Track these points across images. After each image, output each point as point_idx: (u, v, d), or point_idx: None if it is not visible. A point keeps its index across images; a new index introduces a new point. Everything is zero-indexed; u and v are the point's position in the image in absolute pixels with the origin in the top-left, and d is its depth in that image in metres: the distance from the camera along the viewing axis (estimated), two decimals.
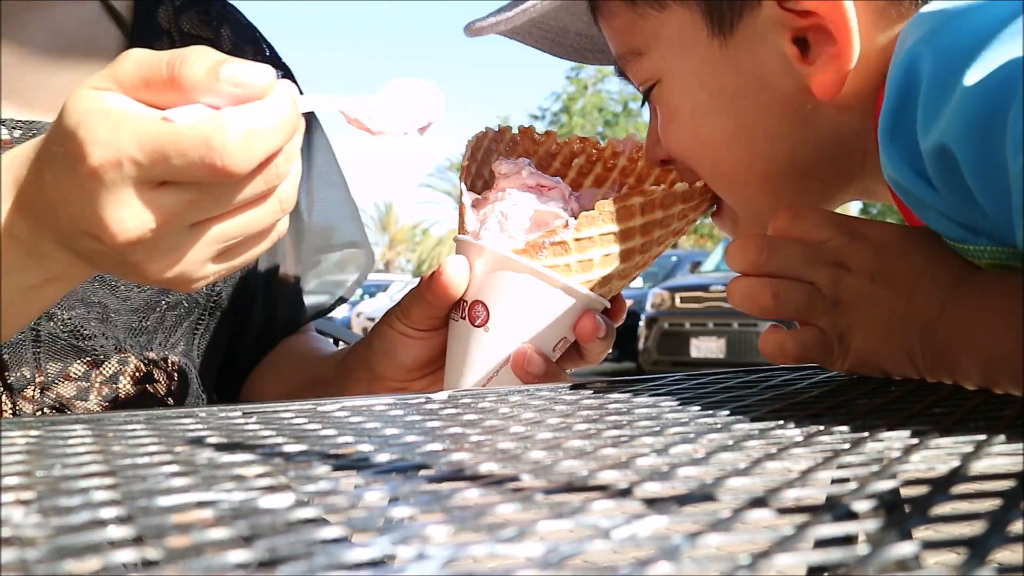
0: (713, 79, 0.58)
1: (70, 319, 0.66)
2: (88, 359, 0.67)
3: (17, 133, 0.66)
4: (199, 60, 0.43)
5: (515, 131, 0.69)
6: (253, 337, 0.81)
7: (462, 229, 0.63)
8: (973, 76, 0.42)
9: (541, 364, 0.61)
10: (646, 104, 0.63)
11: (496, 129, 0.69)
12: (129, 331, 0.69)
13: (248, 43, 0.81)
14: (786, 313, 0.55)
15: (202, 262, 0.47)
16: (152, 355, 0.70)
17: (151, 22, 0.75)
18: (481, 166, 0.67)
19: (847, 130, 0.55)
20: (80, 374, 0.66)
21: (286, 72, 0.83)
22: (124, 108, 0.43)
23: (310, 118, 0.85)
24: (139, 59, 0.44)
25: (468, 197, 0.64)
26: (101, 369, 0.67)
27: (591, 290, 0.61)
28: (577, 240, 0.59)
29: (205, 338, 0.75)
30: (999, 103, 0.41)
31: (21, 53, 0.68)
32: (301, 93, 0.86)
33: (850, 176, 0.60)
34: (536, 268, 0.60)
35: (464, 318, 0.62)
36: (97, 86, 0.44)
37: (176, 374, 0.71)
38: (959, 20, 0.44)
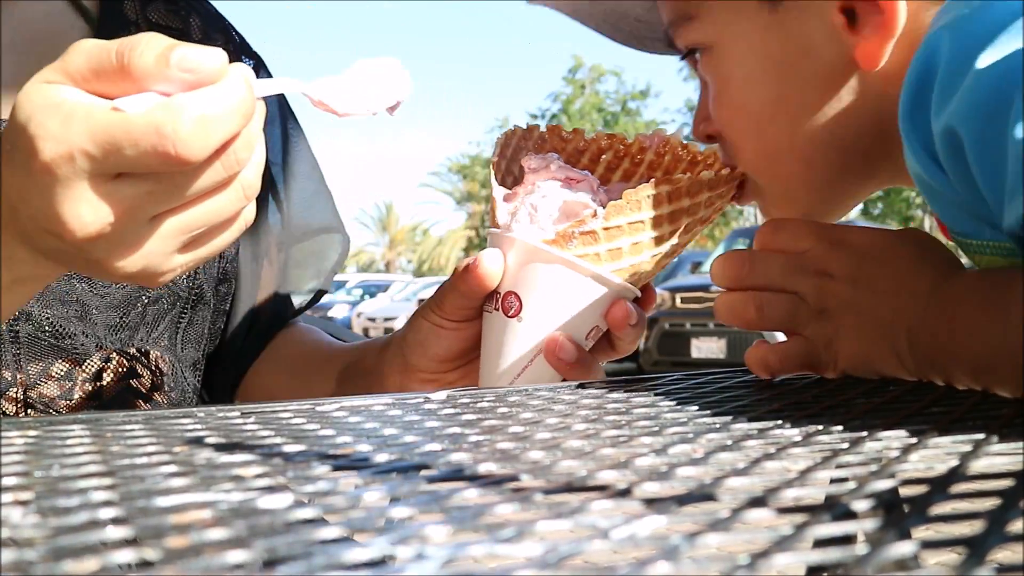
0: (762, 45, 0.58)
1: (48, 318, 0.66)
2: (69, 358, 0.66)
3: None
4: (148, 47, 0.42)
5: (543, 129, 0.70)
6: (244, 328, 0.80)
7: (493, 223, 0.64)
8: (986, 59, 0.42)
9: (573, 351, 0.61)
10: (691, 81, 0.64)
11: (525, 127, 0.69)
12: (109, 328, 0.68)
13: (218, 32, 0.81)
14: (771, 325, 0.55)
15: (167, 255, 0.46)
16: (134, 351, 0.69)
17: (117, 14, 0.74)
18: (511, 163, 0.68)
19: (889, 105, 0.56)
20: (62, 373, 0.66)
21: (257, 62, 0.83)
22: (74, 100, 0.42)
23: (284, 109, 0.85)
24: (88, 50, 0.43)
25: (499, 192, 0.65)
26: (83, 367, 0.67)
27: (621, 278, 0.62)
28: (606, 229, 0.60)
29: (190, 332, 0.75)
30: (1007, 85, 0.41)
31: None
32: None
33: (890, 155, 0.60)
34: (566, 257, 0.60)
35: (497, 309, 0.63)
36: (47, 79, 0.43)
37: (159, 368, 0.71)
38: (984, 10, 0.44)
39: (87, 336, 0.67)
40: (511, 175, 0.68)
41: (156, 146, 0.41)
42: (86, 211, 0.42)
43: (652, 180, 0.60)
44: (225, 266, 0.77)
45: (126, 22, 0.74)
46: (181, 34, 0.77)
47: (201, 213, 0.45)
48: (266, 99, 0.47)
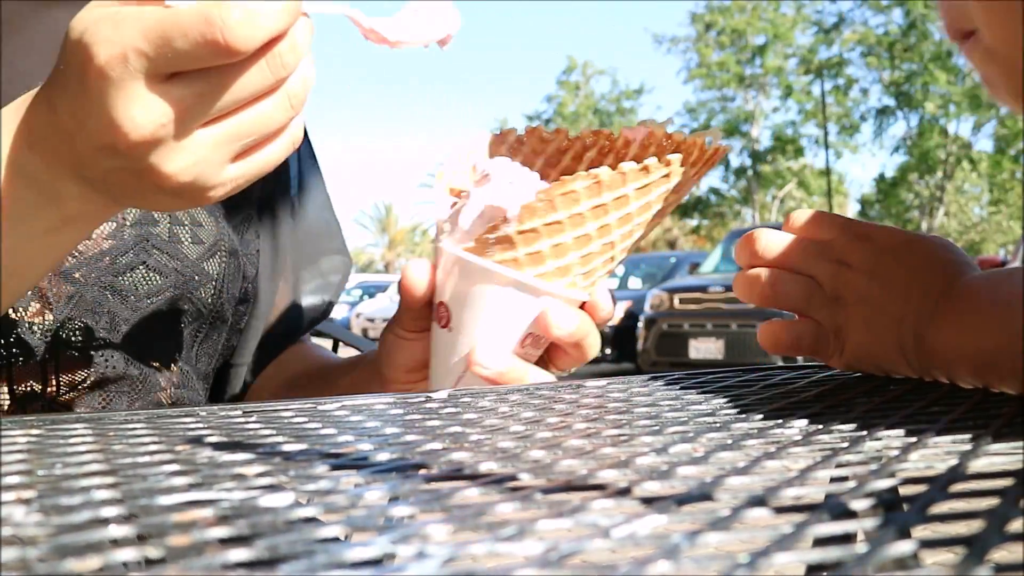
0: None
1: (80, 328, 0.66)
2: (95, 369, 0.67)
3: None
4: None
5: (521, 132, 0.69)
6: (253, 346, 0.81)
7: (438, 234, 0.64)
8: None
9: (494, 363, 0.60)
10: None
11: (498, 131, 0.68)
12: (134, 340, 0.69)
13: None
14: (785, 303, 0.56)
15: (218, 164, 0.46)
16: (155, 363, 0.70)
17: None
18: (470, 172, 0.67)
19: None
20: (87, 384, 0.67)
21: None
22: (126, 8, 0.43)
23: (303, 145, 0.85)
24: None
25: (444, 201, 0.64)
26: (106, 376, 0.67)
27: (550, 283, 0.59)
28: (521, 233, 0.57)
29: (205, 346, 0.75)
30: None
31: (20, 57, 0.69)
32: None
33: None
34: (485, 265, 0.59)
35: (435, 320, 0.63)
36: (99, 3, 0.44)
37: (177, 380, 0.72)
38: None
39: (114, 348, 0.68)
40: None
41: (205, 34, 0.42)
42: (139, 112, 0.43)
43: (563, 178, 0.58)
44: (247, 287, 0.78)
45: None
46: None
47: (250, 119, 0.46)
48: None
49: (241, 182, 0.49)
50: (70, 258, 0.65)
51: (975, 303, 0.48)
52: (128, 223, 0.68)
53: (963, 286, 0.49)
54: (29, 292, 0.64)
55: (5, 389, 0.64)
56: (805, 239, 0.56)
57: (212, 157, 0.46)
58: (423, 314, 0.63)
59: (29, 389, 0.65)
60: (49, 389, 0.65)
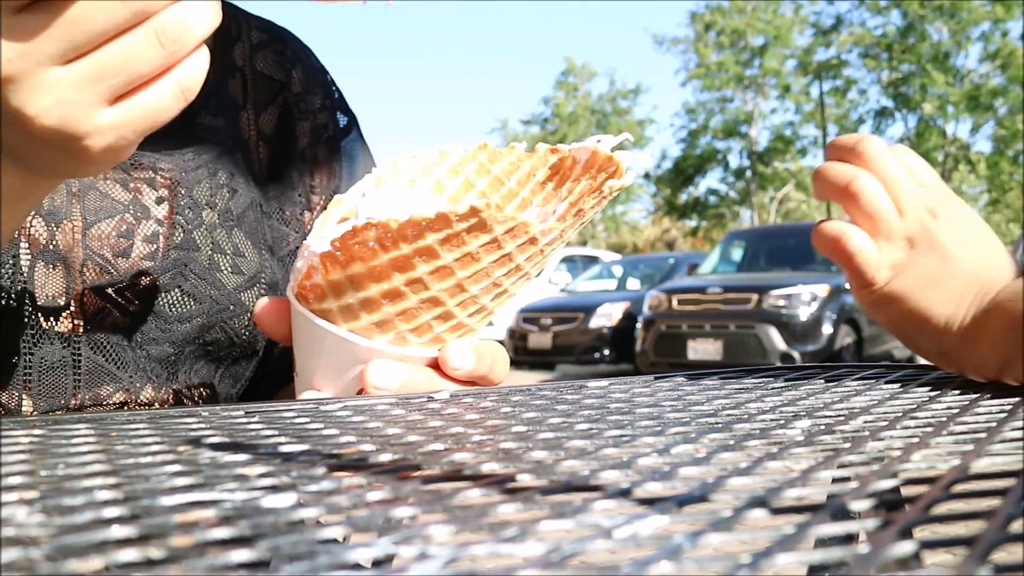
0: None
1: (107, 345, 0.66)
2: (123, 388, 0.67)
3: None
4: None
5: (467, 149, 0.62)
6: (281, 372, 0.81)
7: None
8: None
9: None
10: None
11: (492, 132, 0.66)
12: (161, 362, 0.69)
13: (318, 87, 0.82)
14: (864, 204, 0.53)
15: (87, 106, 0.44)
16: (177, 385, 0.70)
17: (226, 58, 0.76)
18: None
19: None
20: (112, 402, 0.67)
21: (351, 120, 0.84)
22: None
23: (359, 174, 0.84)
24: None
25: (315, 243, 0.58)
26: (130, 395, 0.67)
27: (369, 338, 0.54)
28: (330, 282, 0.53)
29: (231, 370, 0.75)
30: None
31: None
32: (364, 141, 0.86)
33: None
34: (304, 313, 0.55)
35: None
36: None
37: (200, 402, 0.72)
38: None
39: (139, 367, 0.68)
40: None
41: None
42: None
43: (355, 227, 0.53)
44: None
45: (233, 67, 0.76)
46: (282, 86, 0.79)
47: (114, 55, 0.44)
48: None
49: (126, 132, 0.46)
50: (105, 274, 0.66)
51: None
52: (170, 246, 0.68)
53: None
54: (61, 303, 0.64)
55: (28, 401, 0.64)
56: (908, 170, 0.54)
57: (77, 98, 0.44)
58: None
59: (53, 402, 0.65)
60: (73, 402, 0.65)
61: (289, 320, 0.59)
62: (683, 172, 33.31)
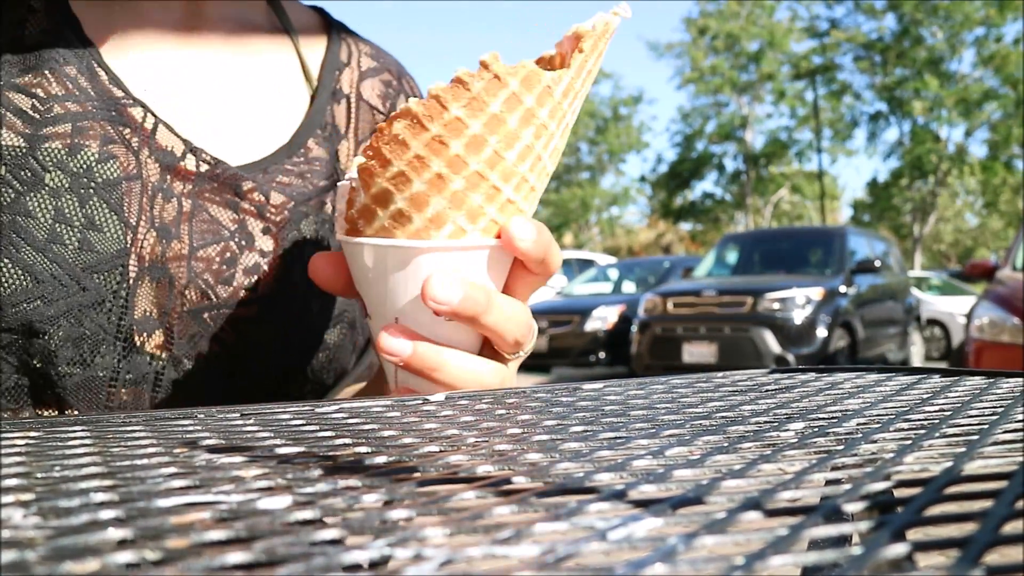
0: None
1: (188, 371, 0.66)
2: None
3: (204, 168, 0.67)
4: None
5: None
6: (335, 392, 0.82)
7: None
8: None
9: (396, 346, 0.55)
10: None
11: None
12: (236, 395, 0.69)
13: None
14: None
15: None
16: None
17: (335, 83, 0.77)
18: None
19: None
20: None
21: None
22: None
23: None
24: None
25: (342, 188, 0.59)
26: None
27: (425, 236, 0.54)
28: (374, 195, 0.53)
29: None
30: None
31: (222, 92, 0.71)
32: None
33: None
34: (358, 242, 0.55)
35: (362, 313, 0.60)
36: None
37: None
38: None
39: (213, 398, 0.68)
40: None
41: None
42: None
43: (380, 126, 0.53)
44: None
45: (340, 93, 0.77)
46: (382, 117, 0.79)
47: None
48: None
49: None
50: (206, 299, 0.66)
51: None
52: (271, 280, 0.68)
53: None
54: (156, 320, 0.64)
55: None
56: None
57: None
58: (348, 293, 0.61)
59: None
60: None
61: (345, 270, 0.58)
62: (678, 176, 33.35)
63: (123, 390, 0.64)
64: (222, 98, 0.71)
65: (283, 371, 0.70)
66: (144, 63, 0.69)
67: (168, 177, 0.65)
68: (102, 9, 0.69)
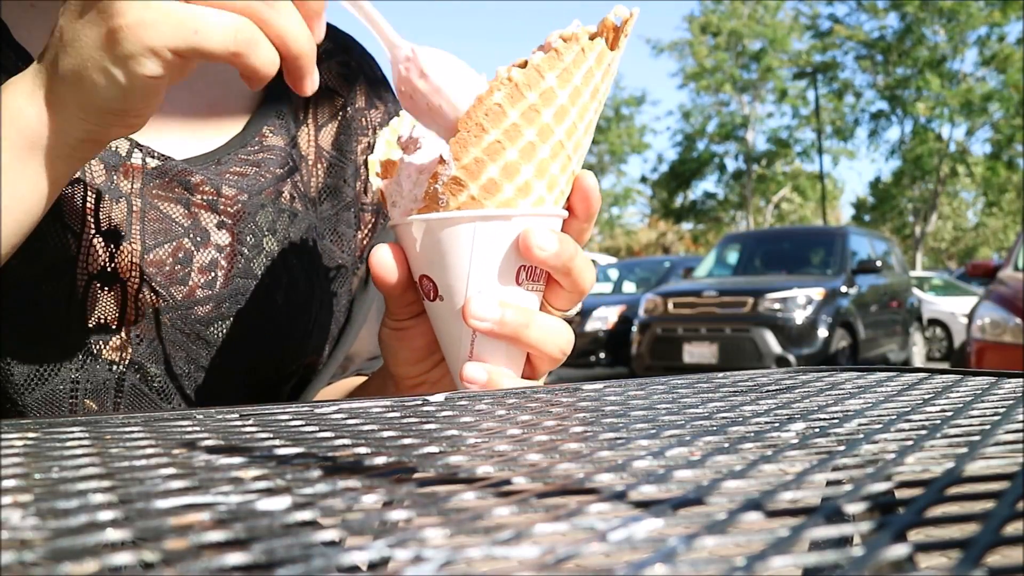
0: None
1: (157, 376, 0.66)
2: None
3: (153, 164, 0.65)
4: None
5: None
6: (318, 388, 0.81)
7: (386, 212, 0.60)
8: None
9: (487, 311, 0.56)
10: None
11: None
12: (207, 392, 0.69)
13: (379, 100, 0.81)
14: None
15: None
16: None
17: None
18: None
19: None
20: None
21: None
22: None
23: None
24: None
25: (376, 182, 0.60)
26: None
27: (516, 207, 0.55)
28: (464, 168, 0.53)
29: (268, 399, 0.75)
30: None
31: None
32: None
33: None
34: (443, 216, 0.55)
35: (424, 297, 0.59)
36: None
37: None
38: None
39: (184, 397, 0.67)
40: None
41: None
42: None
43: (479, 96, 0.53)
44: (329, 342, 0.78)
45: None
46: (344, 101, 0.78)
47: None
48: None
49: (167, 30, 0.47)
50: (162, 301, 0.65)
51: None
52: (228, 276, 0.67)
53: None
54: (112, 327, 0.64)
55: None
56: None
57: None
58: (408, 297, 0.61)
59: None
60: None
61: (404, 264, 0.58)
62: (679, 176, 33.34)
63: (86, 400, 0.63)
64: (170, 91, 0.70)
65: (249, 364, 0.70)
66: None
67: (114, 177, 0.64)
68: (34, 11, 0.67)
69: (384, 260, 0.59)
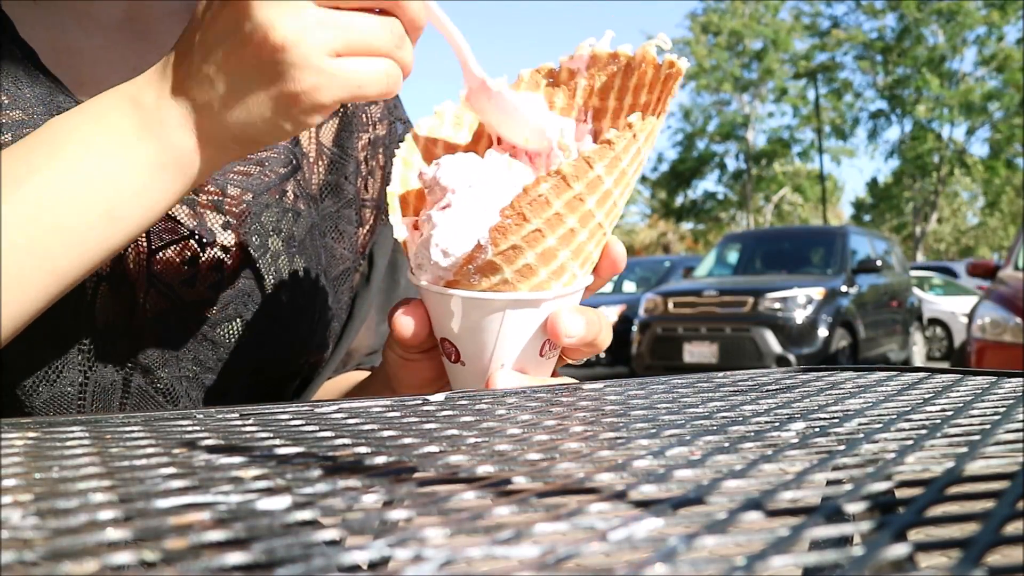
0: None
1: (164, 379, 0.66)
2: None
3: None
4: None
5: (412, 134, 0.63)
6: (318, 385, 0.81)
7: (409, 266, 0.59)
8: None
9: (513, 384, 0.58)
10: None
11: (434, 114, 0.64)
12: (211, 391, 0.69)
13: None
14: None
15: (321, 46, 0.50)
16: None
17: None
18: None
19: None
20: None
21: (407, 126, 0.83)
22: None
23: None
24: None
25: (400, 231, 0.58)
26: None
27: (548, 290, 0.56)
28: (501, 254, 0.54)
29: (272, 399, 0.75)
30: None
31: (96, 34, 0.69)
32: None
33: None
34: (476, 296, 0.55)
35: (444, 354, 0.60)
36: None
37: None
38: None
39: (190, 399, 0.67)
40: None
41: None
42: None
43: (525, 187, 0.53)
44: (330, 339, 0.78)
45: None
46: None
47: (358, 22, 0.51)
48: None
49: (337, 91, 0.51)
50: (167, 302, 0.65)
51: None
52: (235, 276, 0.67)
53: None
54: (120, 329, 0.63)
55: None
56: None
57: (316, 32, 0.49)
58: (424, 346, 0.61)
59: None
60: None
61: (426, 325, 0.59)
62: (680, 175, 33.32)
63: (93, 402, 0.63)
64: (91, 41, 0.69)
65: (256, 364, 0.70)
66: (88, 63, 0.67)
67: None
68: (38, 9, 0.67)
69: (406, 325, 0.59)
